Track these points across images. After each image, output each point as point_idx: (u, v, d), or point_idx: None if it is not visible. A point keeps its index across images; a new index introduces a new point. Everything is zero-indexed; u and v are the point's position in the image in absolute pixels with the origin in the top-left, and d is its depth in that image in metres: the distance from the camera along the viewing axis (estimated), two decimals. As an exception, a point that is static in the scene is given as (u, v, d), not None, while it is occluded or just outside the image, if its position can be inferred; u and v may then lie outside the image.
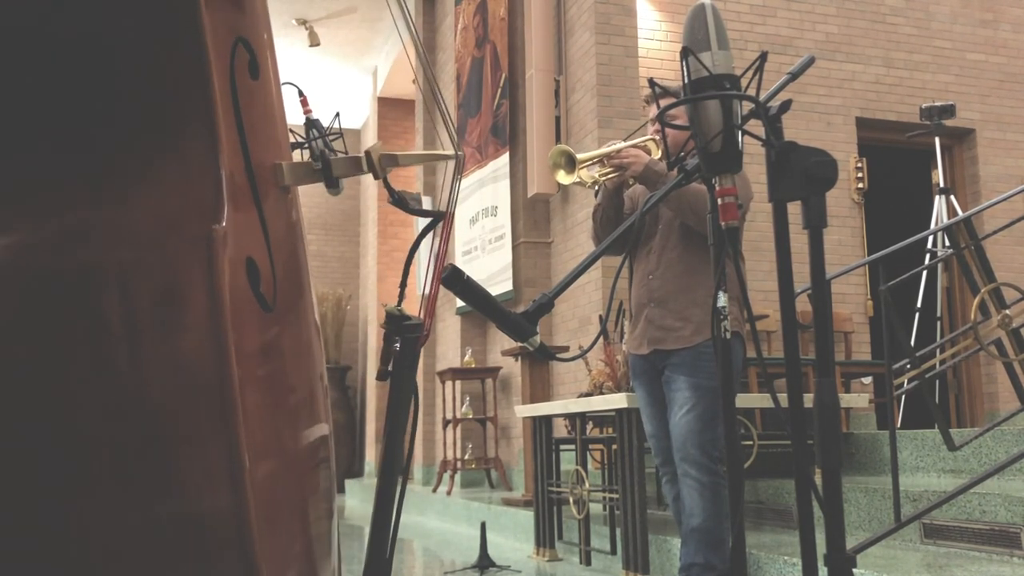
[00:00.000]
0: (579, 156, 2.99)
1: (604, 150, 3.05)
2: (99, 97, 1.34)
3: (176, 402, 1.18)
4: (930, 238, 5.66)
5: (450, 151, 1.72)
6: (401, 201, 1.66)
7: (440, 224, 1.67)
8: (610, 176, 3.06)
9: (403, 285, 1.67)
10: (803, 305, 4.72)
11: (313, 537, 1.58)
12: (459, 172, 1.73)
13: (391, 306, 1.61)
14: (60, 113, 1.34)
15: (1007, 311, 3.22)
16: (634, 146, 3.07)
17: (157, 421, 1.18)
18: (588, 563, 4.17)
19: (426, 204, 8.46)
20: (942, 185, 6.00)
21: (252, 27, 1.50)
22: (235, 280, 1.24)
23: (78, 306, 1.19)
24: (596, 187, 3.14)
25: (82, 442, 1.18)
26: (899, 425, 5.41)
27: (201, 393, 1.17)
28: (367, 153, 1.56)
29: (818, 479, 1.53)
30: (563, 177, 2.99)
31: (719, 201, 1.55)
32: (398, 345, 1.59)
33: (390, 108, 10.92)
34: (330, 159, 1.57)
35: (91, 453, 1.18)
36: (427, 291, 1.69)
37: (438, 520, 6.84)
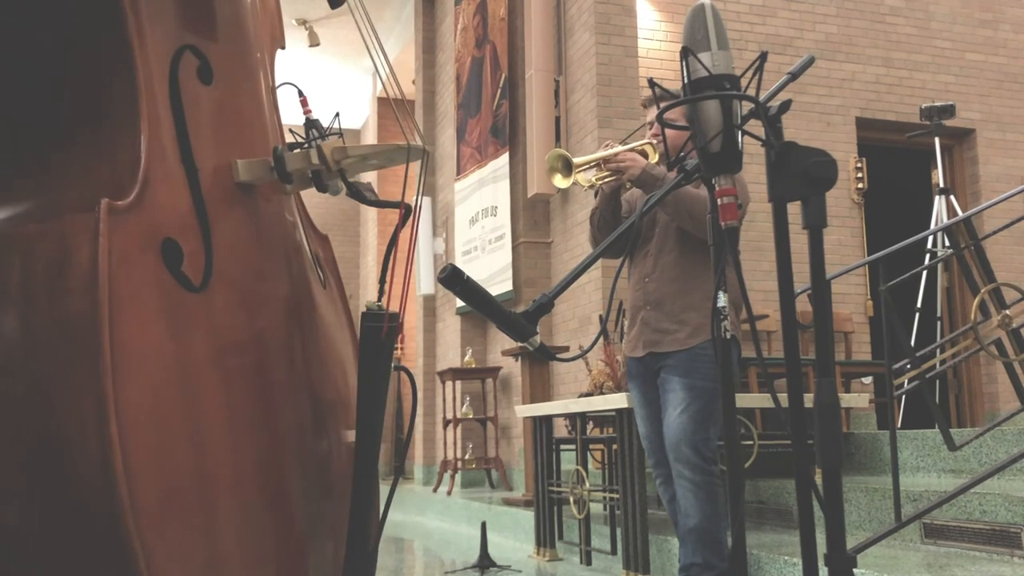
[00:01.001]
0: (575, 160, 3.00)
1: (601, 154, 3.05)
2: (27, 90, 1.51)
3: (56, 359, 1.30)
4: (930, 238, 5.66)
5: (403, 142, 1.78)
6: (357, 193, 1.72)
7: (409, 217, 1.72)
8: (607, 180, 3.07)
9: (382, 280, 1.71)
10: (803, 305, 4.72)
11: (299, 538, 1.59)
12: (423, 163, 1.81)
13: (371, 302, 1.66)
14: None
15: (1007, 311, 3.22)
16: (631, 150, 3.07)
17: (38, 376, 1.31)
18: (588, 563, 4.17)
19: (424, 205, 8.46)
20: (942, 185, 6.00)
21: (215, 40, 1.65)
22: (136, 254, 1.38)
23: None
24: (594, 190, 3.14)
25: None
26: (899, 425, 5.41)
27: (77, 350, 1.29)
28: (318, 147, 1.63)
29: (818, 479, 1.53)
30: (560, 181, 3.00)
31: (719, 201, 1.55)
32: (359, 334, 1.67)
33: (390, 108, 10.90)
34: (283, 154, 1.64)
35: None
36: (404, 283, 1.73)
37: (438, 520, 6.84)
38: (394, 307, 1.65)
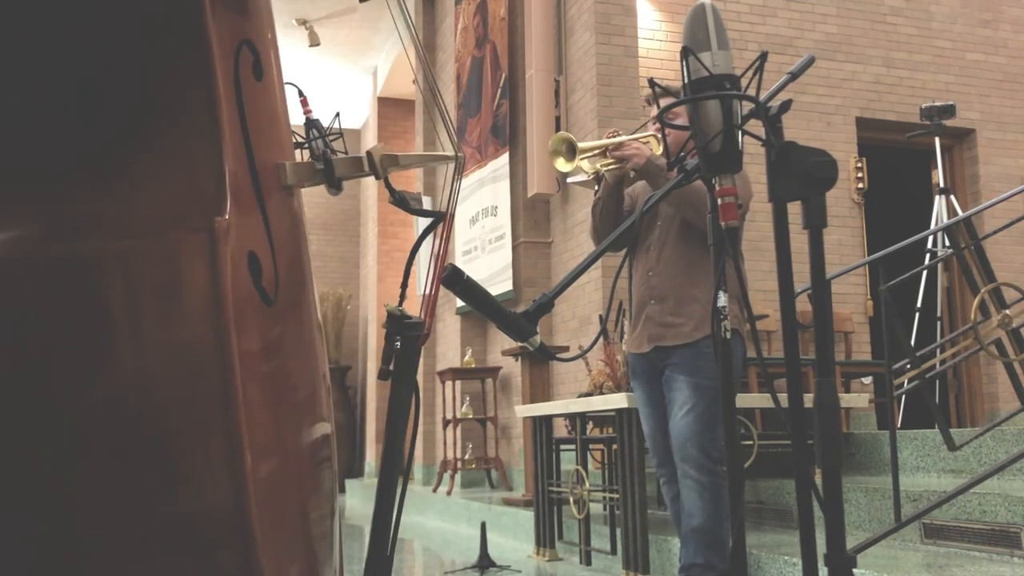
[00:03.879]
0: (580, 145, 2.98)
1: (606, 141, 3.03)
2: (107, 93, 1.38)
3: (177, 393, 1.19)
4: (930, 238, 5.66)
5: (450, 152, 1.73)
6: (402, 201, 1.67)
7: (440, 225, 1.69)
8: (611, 168, 3.05)
9: (404, 285, 1.68)
10: (803, 305, 4.72)
11: (314, 536, 1.58)
12: (459, 173, 1.75)
13: (392, 306, 1.63)
14: (67, 107, 1.38)
15: (1007, 311, 3.22)
16: (636, 140, 3.06)
17: (157, 413, 1.19)
18: (588, 563, 4.17)
19: (426, 204, 8.46)
20: (942, 185, 6.00)
21: (257, 29, 1.55)
22: (237, 273, 1.27)
23: (81, 296, 1.21)
24: (596, 177, 3.12)
25: (82, 434, 1.19)
26: (899, 425, 5.41)
27: (202, 383, 1.18)
28: (368, 154, 1.59)
29: (818, 479, 1.53)
30: (562, 164, 2.98)
31: (719, 201, 1.55)
32: (399, 344, 1.60)
33: (390, 108, 10.92)
34: (332, 160, 1.59)
35: (90, 445, 1.19)
36: (427, 291, 1.70)
37: (438, 520, 6.84)
38: (415, 311, 1.63)
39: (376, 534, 1.59)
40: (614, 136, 3.07)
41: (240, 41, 1.46)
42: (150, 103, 1.38)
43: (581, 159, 2.98)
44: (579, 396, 4.39)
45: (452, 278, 1.45)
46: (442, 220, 1.67)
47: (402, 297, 1.67)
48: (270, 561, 1.23)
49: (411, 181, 10.14)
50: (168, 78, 1.38)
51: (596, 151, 3.02)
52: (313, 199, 11.92)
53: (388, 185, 1.65)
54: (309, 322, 1.69)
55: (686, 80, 1.53)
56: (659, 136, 3.09)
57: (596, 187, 3.19)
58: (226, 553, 1.19)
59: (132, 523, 1.19)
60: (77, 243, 1.25)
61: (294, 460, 1.47)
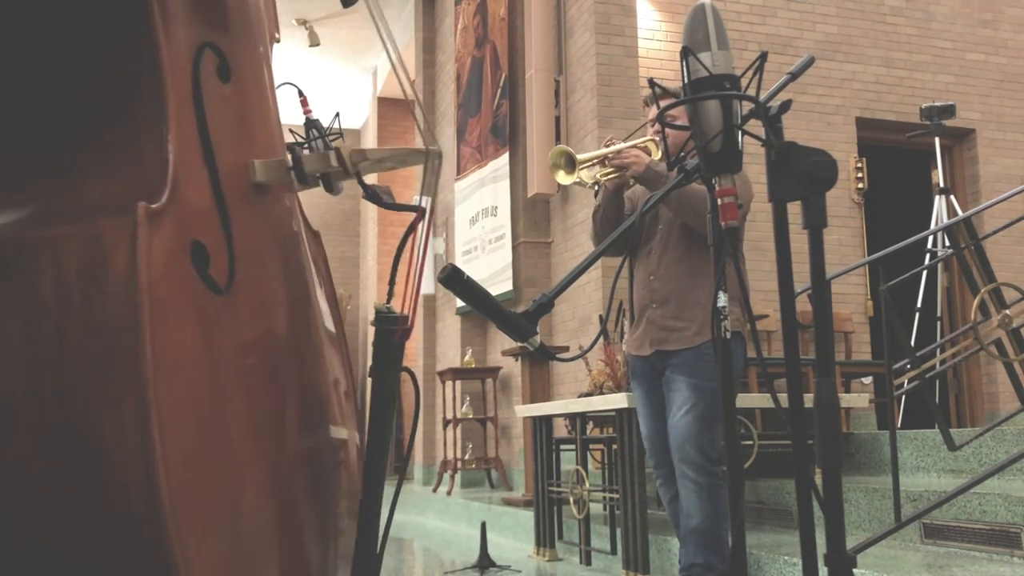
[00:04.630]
0: (579, 156, 2.99)
1: (604, 150, 3.05)
2: (56, 90, 1.48)
3: (93, 368, 1.27)
4: (930, 238, 5.66)
5: (421, 147, 1.77)
6: (375, 196, 1.71)
7: (422, 220, 1.72)
8: (611, 176, 3.06)
9: (392, 283, 1.70)
10: (803, 305, 4.72)
11: (314, 538, 1.59)
12: (434, 168, 1.78)
13: (380, 304, 1.65)
14: (18, 103, 1.47)
15: (1007, 311, 3.22)
16: (634, 147, 3.06)
17: (74, 387, 1.27)
18: (588, 563, 4.17)
19: (427, 205, 8.45)
20: (942, 185, 6.00)
21: (229, 36, 1.61)
22: (172, 256, 1.35)
23: (12, 277, 1.31)
24: (596, 187, 3.14)
25: (5, 401, 1.28)
26: (899, 425, 5.41)
27: (117, 359, 1.25)
28: (337, 150, 1.62)
29: (818, 479, 1.53)
30: (563, 177, 2.99)
31: (719, 201, 1.55)
32: (373, 340, 1.64)
33: (390, 108, 10.91)
34: (300, 156, 1.63)
35: (7, 418, 1.27)
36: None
37: (438, 520, 6.84)
38: (400, 309, 1.64)
39: (363, 532, 1.59)
40: (611, 144, 3.07)
41: (201, 43, 1.53)
42: (99, 99, 1.46)
43: (581, 170, 2.99)
44: (579, 396, 4.39)
45: (452, 278, 1.45)
46: (423, 215, 1.70)
47: (390, 294, 1.68)
48: (200, 543, 1.27)
49: (411, 181, 10.14)
50: (116, 76, 1.46)
51: (595, 161, 3.03)
52: (313, 199, 11.89)
53: (360, 181, 1.67)
54: (308, 326, 1.70)
55: (686, 80, 1.53)
56: (657, 140, 3.10)
57: (596, 191, 3.19)
58: (137, 529, 1.24)
59: (45, 492, 1.26)
60: (18, 230, 1.35)
61: (266, 455, 1.50)
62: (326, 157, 1.65)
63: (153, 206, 1.32)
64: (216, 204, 1.49)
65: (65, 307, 1.29)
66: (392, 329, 1.61)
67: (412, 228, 1.67)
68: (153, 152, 1.41)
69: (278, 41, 1.99)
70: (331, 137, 2.37)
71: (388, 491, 1.67)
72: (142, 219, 1.29)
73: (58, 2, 1.47)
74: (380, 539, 1.62)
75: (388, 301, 1.66)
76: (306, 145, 2.33)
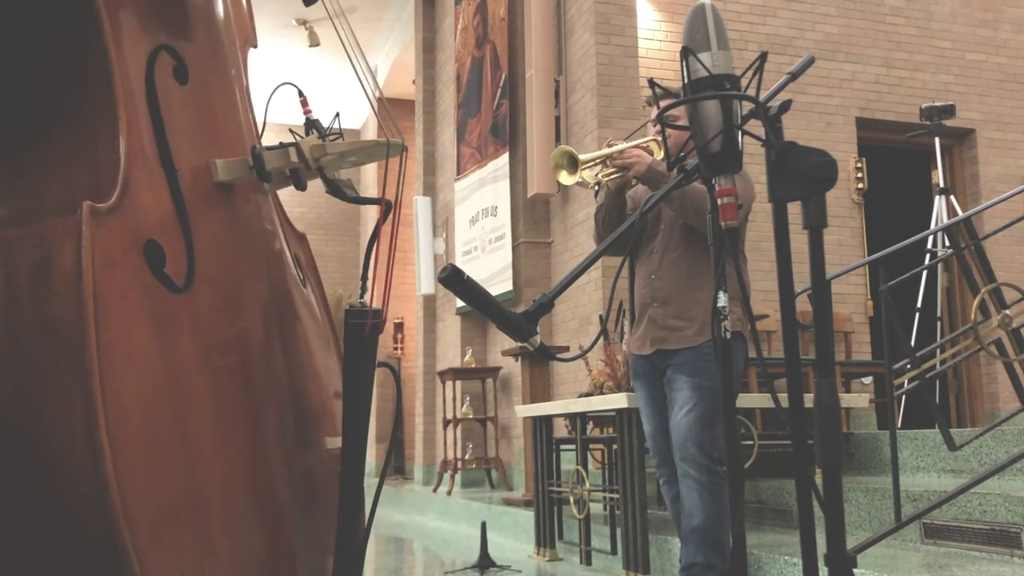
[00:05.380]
0: (581, 157, 2.99)
1: (606, 151, 3.05)
2: (10, 94, 1.49)
3: (40, 363, 1.29)
4: (930, 238, 5.66)
5: (382, 139, 1.78)
6: (337, 190, 1.71)
7: (389, 212, 1.72)
8: (613, 177, 3.06)
9: (364, 278, 1.71)
10: (803, 305, 4.72)
11: (291, 535, 1.58)
12: (397, 159, 1.80)
13: (352, 299, 1.66)
14: None
15: (1007, 311, 3.22)
16: (636, 147, 3.06)
17: (20, 381, 1.29)
18: (588, 563, 4.17)
19: (424, 205, 8.46)
20: (942, 185, 6.00)
21: (188, 39, 1.63)
22: (120, 256, 1.37)
23: None
24: (597, 188, 3.13)
25: None
26: (899, 425, 5.41)
27: (63, 354, 1.28)
28: (296, 145, 1.63)
29: (818, 479, 1.53)
30: (565, 178, 2.99)
31: (719, 201, 1.55)
32: (343, 333, 1.66)
33: (390, 108, 10.90)
34: (260, 152, 1.63)
35: None
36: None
37: (438, 520, 6.84)
38: (395, 306, 1.63)
39: (344, 524, 1.59)
40: (612, 145, 3.07)
41: (156, 47, 1.55)
42: (52, 105, 1.48)
43: (583, 170, 2.99)
44: (579, 396, 4.39)
45: (452, 278, 1.45)
46: (391, 209, 1.71)
47: (363, 289, 1.69)
48: (155, 541, 1.28)
49: (411, 181, 10.13)
50: (68, 82, 1.48)
51: (597, 161, 3.03)
52: (313, 199, 11.92)
53: (323, 176, 1.68)
54: (290, 328, 1.70)
55: (686, 80, 1.53)
56: (659, 140, 3.10)
57: (596, 191, 3.19)
58: (90, 522, 1.25)
59: None
60: None
61: (239, 455, 1.50)
62: (286, 153, 1.66)
63: (99, 205, 1.34)
64: (174, 204, 1.50)
65: (15, 308, 1.31)
66: (360, 323, 1.62)
67: (381, 223, 1.68)
68: (104, 153, 1.42)
69: (255, 47, 1.99)
70: (331, 137, 2.37)
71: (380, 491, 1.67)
72: (86, 218, 1.31)
73: (6, 4, 1.48)
74: (363, 532, 1.61)
75: (361, 296, 1.67)
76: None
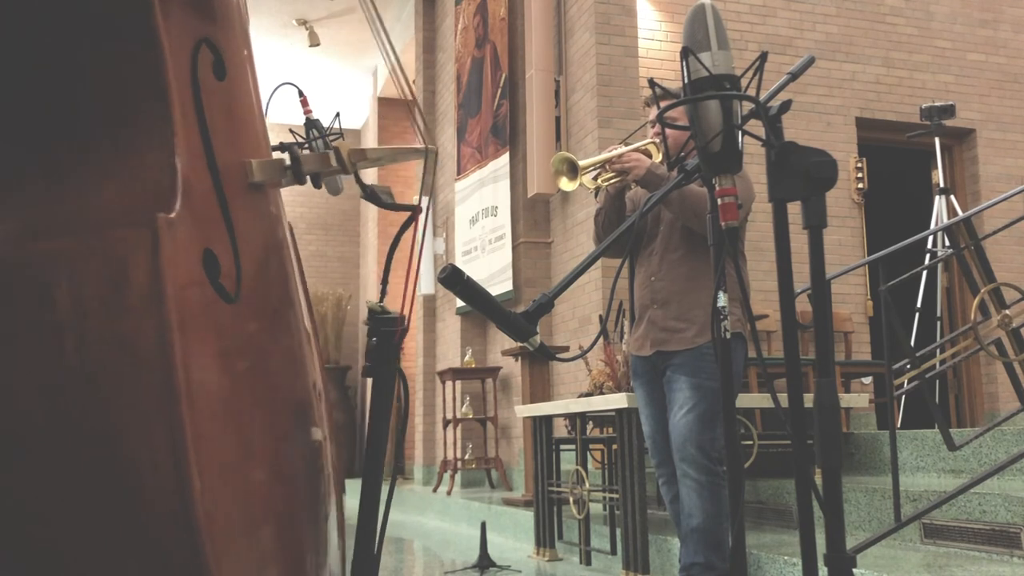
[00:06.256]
0: (581, 163, 3.00)
1: (606, 155, 3.06)
2: (54, 92, 1.40)
3: (119, 388, 1.21)
4: (930, 238, 5.66)
5: (420, 146, 1.73)
6: (373, 196, 1.68)
7: (419, 217, 1.69)
8: (612, 181, 3.07)
9: (384, 282, 1.68)
10: (803, 305, 4.72)
11: (301, 539, 1.58)
12: (433, 167, 1.74)
13: (373, 303, 1.63)
14: (12, 108, 1.39)
15: (1007, 311, 3.22)
16: (635, 150, 3.07)
17: (100, 407, 1.21)
18: (588, 563, 4.17)
19: (426, 204, 8.46)
20: (942, 185, 6.00)
21: (220, 28, 1.55)
22: (187, 269, 1.29)
23: (25, 294, 1.23)
24: (597, 190, 3.15)
25: (22, 428, 1.22)
26: (899, 425, 5.41)
27: (144, 378, 1.21)
28: (336, 149, 1.59)
29: (818, 479, 1.53)
30: (566, 184, 3.00)
31: (719, 201, 1.55)
32: (374, 341, 1.61)
33: (390, 108, 10.91)
34: (300, 156, 1.59)
35: (31, 439, 1.21)
36: (412, 285, 1.70)
37: (438, 520, 6.84)
38: (397, 307, 1.63)
39: (362, 532, 1.58)
40: (612, 149, 3.09)
41: (198, 40, 1.46)
42: (100, 103, 1.39)
43: (583, 175, 3.00)
44: (579, 396, 4.39)
45: (452, 278, 1.45)
46: (417, 215, 1.67)
47: (383, 293, 1.67)
48: (227, 561, 1.23)
49: (411, 181, 10.15)
50: (118, 78, 1.38)
51: (597, 166, 3.04)
52: (313, 199, 11.93)
53: (359, 180, 1.64)
54: (292, 327, 1.68)
55: (686, 80, 1.53)
56: (658, 142, 3.11)
57: (596, 194, 3.20)
58: (174, 550, 1.20)
59: (75, 518, 1.21)
60: (24, 244, 1.27)
61: (268, 462, 1.47)
62: (326, 157, 1.62)
63: (171, 216, 1.26)
64: (220, 208, 1.43)
65: (86, 323, 1.23)
66: (391, 331, 1.59)
67: (406, 226, 1.65)
68: (159, 157, 1.34)
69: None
70: (331, 137, 2.37)
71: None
72: (163, 231, 1.23)
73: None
74: (377, 539, 1.61)
75: (381, 300, 1.64)
76: (306, 145, 2.32)
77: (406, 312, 1.63)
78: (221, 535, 1.24)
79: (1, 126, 1.40)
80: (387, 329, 1.59)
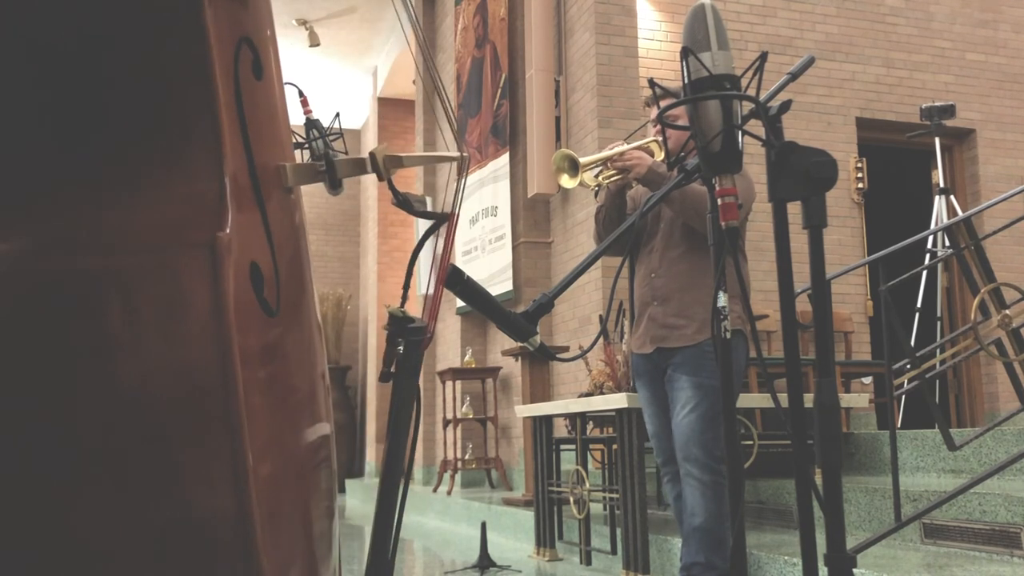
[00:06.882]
0: (582, 160, 3.00)
1: (607, 153, 3.05)
2: (100, 99, 1.31)
3: (179, 412, 1.15)
4: (930, 238, 5.66)
5: (455, 153, 1.70)
6: (406, 203, 1.64)
7: (443, 226, 1.65)
8: (613, 179, 3.07)
9: (406, 287, 1.66)
10: (803, 305, 4.72)
11: (314, 537, 1.57)
12: (463, 173, 1.71)
13: (394, 308, 1.60)
14: (60, 116, 1.31)
15: (1007, 311, 3.22)
16: (637, 148, 3.07)
17: (160, 431, 1.16)
18: (588, 563, 4.17)
19: (427, 205, 8.47)
20: (942, 185, 6.00)
21: (256, 26, 1.47)
22: (239, 286, 1.21)
23: (79, 312, 1.17)
24: (598, 189, 3.14)
25: (82, 447, 1.17)
26: (899, 425, 5.41)
27: (204, 399, 1.15)
28: (371, 154, 1.55)
29: (818, 479, 1.53)
30: (567, 181, 3.00)
31: (719, 201, 1.55)
32: (401, 347, 1.57)
33: (390, 108, 10.91)
34: (335, 160, 1.55)
35: (91, 458, 1.17)
36: (427, 292, 1.68)
37: (438, 520, 6.84)
38: (423, 317, 1.60)
39: (377, 537, 1.58)
40: (613, 147, 3.09)
41: (240, 38, 1.38)
42: (147, 109, 1.29)
43: (584, 173, 3.00)
44: (579, 396, 4.39)
45: (452, 278, 1.46)
46: (445, 221, 1.63)
47: (404, 298, 1.65)
48: (272, 564, 1.22)
49: (411, 181, 10.13)
50: (165, 81, 1.29)
51: (598, 164, 3.04)
52: (313, 199, 11.92)
53: (392, 187, 1.61)
54: (309, 324, 1.66)
55: (686, 80, 1.53)
56: (659, 141, 3.10)
57: (596, 192, 3.20)
58: (230, 560, 1.17)
59: (133, 532, 1.18)
60: (73, 258, 1.19)
61: (293, 461, 1.45)
62: (362, 162, 1.57)
63: (226, 232, 1.19)
64: (261, 217, 1.35)
65: (142, 345, 1.15)
66: (418, 340, 1.56)
67: (430, 233, 1.62)
68: (208, 163, 1.25)
69: None
70: (331, 137, 2.37)
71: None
72: (223, 252, 1.16)
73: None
74: (392, 543, 1.61)
75: (402, 305, 1.62)
76: (306, 145, 2.32)
77: (429, 319, 1.60)
78: (271, 545, 1.20)
79: (43, 134, 1.32)
80: (415, 338, 1.56)
